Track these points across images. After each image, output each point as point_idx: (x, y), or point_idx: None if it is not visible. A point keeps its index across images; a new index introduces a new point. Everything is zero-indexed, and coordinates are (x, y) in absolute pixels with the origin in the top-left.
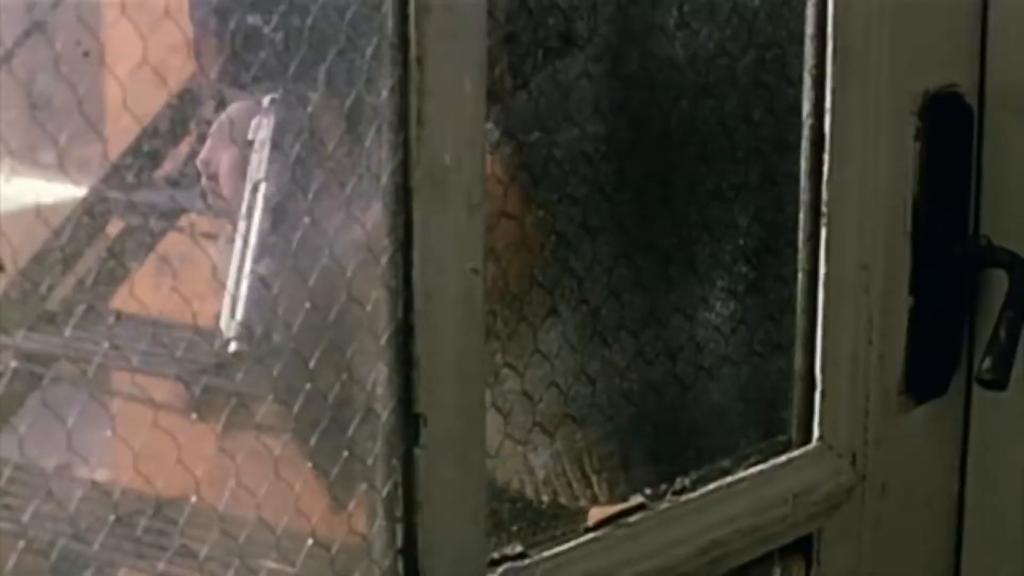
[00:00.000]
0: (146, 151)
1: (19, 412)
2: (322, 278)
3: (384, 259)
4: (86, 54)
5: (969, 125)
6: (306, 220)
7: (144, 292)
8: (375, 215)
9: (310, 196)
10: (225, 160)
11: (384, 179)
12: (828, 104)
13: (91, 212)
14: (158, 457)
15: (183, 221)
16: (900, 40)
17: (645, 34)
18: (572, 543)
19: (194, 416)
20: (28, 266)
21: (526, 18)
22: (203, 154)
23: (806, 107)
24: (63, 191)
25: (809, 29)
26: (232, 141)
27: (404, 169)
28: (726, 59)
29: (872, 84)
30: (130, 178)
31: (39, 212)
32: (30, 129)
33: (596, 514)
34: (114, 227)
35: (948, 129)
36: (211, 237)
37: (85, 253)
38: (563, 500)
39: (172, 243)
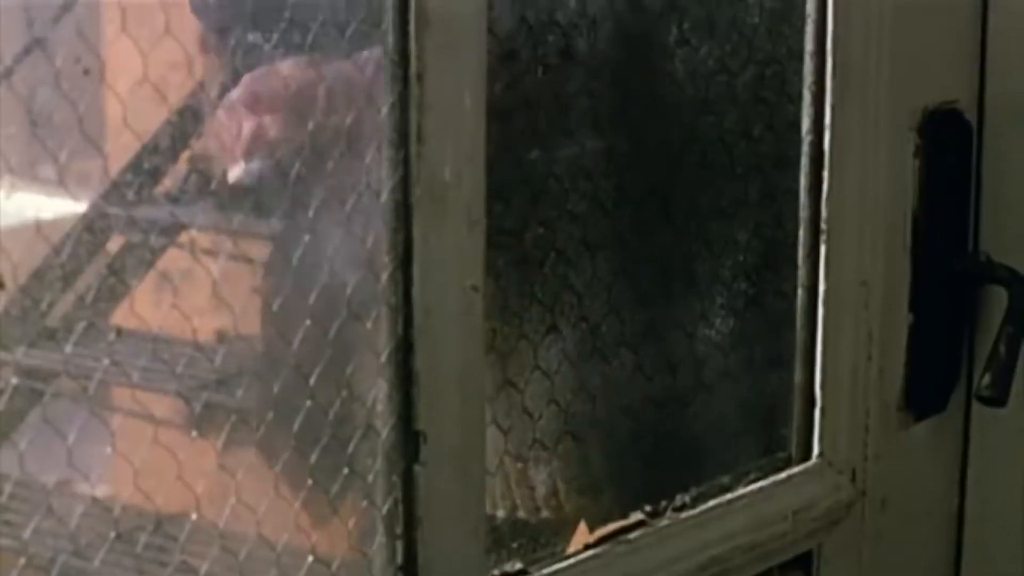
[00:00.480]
0: (146, 167)
1: (20, 428)
2: (322, 295)
3: (384, 276)
4: (86, 72)
5: (968, 141)
6: (306, 238)
7: (144, 308)
8: (375, 232)
9: (311, 213)
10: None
11: (384, 196)
12: (827, 120)
13: (91, 228)
14: (158, 473)
15: (183, 237)
16: (899, 56)
17: (645, 51)
18: (572, 560)
19: (194, 433)
20: (28, 282)
21: (526, 34)
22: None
23: (805, 123)
24: (63, 206)
25: (808, 46)
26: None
27: (404, 186)
28: (726, 76)
29: (871, 101)
30: (130, 194)
31: (39, 228)
32: (31, 144)
33: (582, 532)
34: (114, 243)
35: (947, 145)
36: (211, 253)
37: (85, 269)
38: (562, 516)
39: (172, 259)
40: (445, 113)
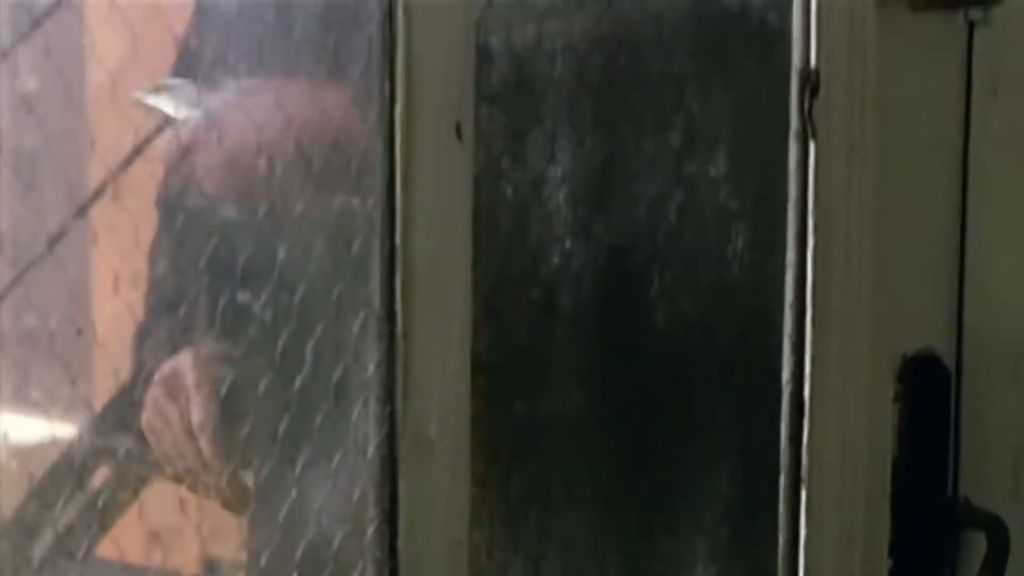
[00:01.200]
0: (130, 401)
1: None
2: (310, 548)
3: (370, 530)
4: (80, 332)
5: (947, 386)
6: (293, 492)
7: (130, 539)
8: (361, 486)
9: (298, 469)
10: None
11: (370, 451)
12: (808, 370)
13: (75, 460)
14: None
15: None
16: (878, 305)
17: (626, 304)
18: None
19: None
20: (14, 514)
21: (510, 290)
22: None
23: (785, 373)
24: (49, 431)
25: (788, 298)
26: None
27: (390, 441)
28: (706, 327)
29: (851, 350)
30: (114, 426)
31: (24, 460)
32: (19, 376)
33: None
34: (99, 476)
35: (926, 391)
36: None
37: (70, 502)
38: None
39: (157, 491)
40: (430, 371)
